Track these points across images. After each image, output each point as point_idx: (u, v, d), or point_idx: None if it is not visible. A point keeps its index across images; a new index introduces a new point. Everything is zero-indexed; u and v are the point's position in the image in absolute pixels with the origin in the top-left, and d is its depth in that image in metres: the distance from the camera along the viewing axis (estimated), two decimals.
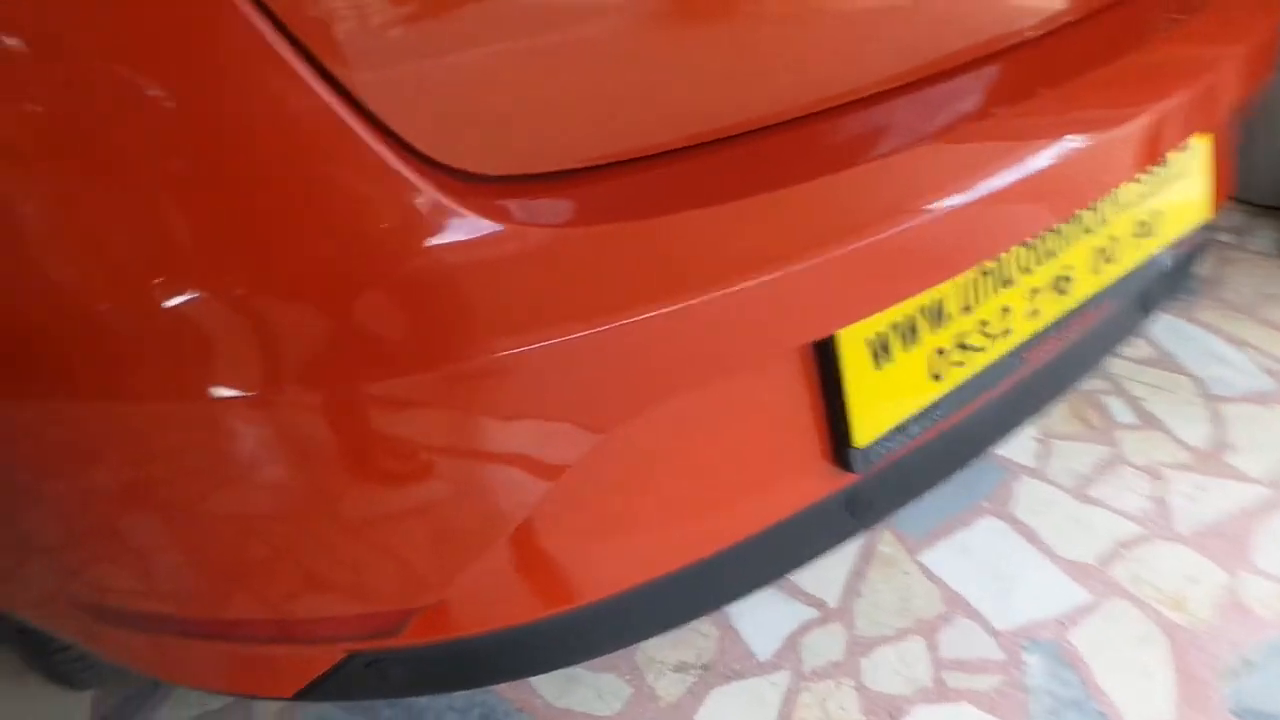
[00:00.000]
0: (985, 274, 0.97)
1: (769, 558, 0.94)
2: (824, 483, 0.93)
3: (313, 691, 0.85)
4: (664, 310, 0.69)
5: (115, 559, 0.77)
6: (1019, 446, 1.65)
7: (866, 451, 0.91)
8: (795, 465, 0.91)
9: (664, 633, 0.93)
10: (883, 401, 0.91)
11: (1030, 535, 1.49)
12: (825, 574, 1.46)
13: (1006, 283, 0.98)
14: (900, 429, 0.93)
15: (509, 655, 0.85)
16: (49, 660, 1.19)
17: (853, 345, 0.87)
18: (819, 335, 0.83)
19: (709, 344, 0.72)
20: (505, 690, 1.32)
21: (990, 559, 1.46)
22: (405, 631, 0.80)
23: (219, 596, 0.78)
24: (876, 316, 0.88)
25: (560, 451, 0.72)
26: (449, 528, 0.74)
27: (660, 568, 0.87)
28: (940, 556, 1.47)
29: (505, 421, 0.70)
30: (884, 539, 1.51)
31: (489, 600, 0.81)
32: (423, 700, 1.32)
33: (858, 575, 1.45)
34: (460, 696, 1.32)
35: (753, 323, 0.74)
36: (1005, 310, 1.00)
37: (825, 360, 0.86)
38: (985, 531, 1.51)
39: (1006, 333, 1.00)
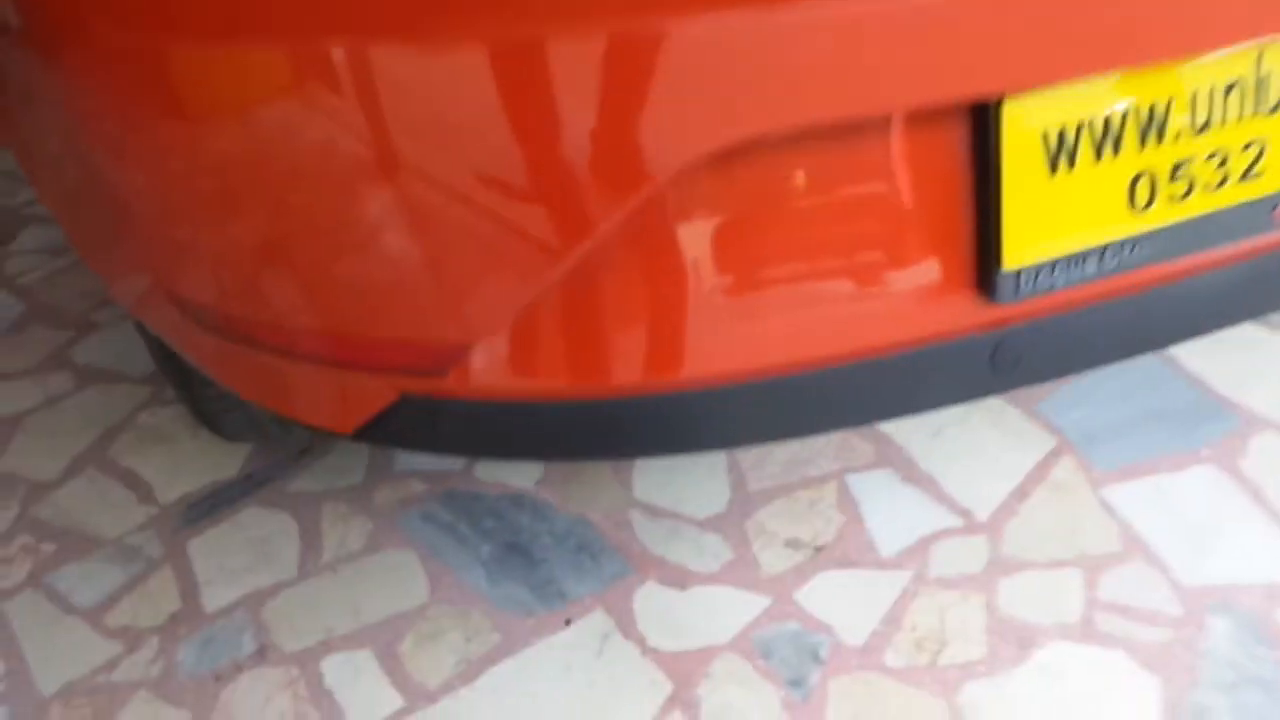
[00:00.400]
0: (1234, 89, 0.75)
1: (887, 388, 0.80)
2: (964, 313, 0.77)
3: (371, 431, 0.83)
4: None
5: (192, 244, 0.77)
6: (1268, 395, 1.35)
7: (1017, 278, 0.74)
8: (932, 280, 0.76)
9: (746, 445, 0.82)
10: (1050, 219, 0.73)
11: (1256, 494, 1.22)
12: (980, 486, 1.27)
13: (1270, 108, 0.75)
14: (1067, 262, 0.75)
15: (571, 428, 0.78)
16: (197, 399, 1.27)
17: (1020, 134, 0.70)
18: (969, 94, 0.66)
19: (839, 65, 0.60)
20: (605, 528, 1.27)
21: (1194, 510, 1.21)
22: (453, 375, 0.75)
23: (282, 300, 0.77)
24: (1061, 104, 0.70)
25: (656, 159, 0.63)
26: (506, 250, 0.67)
27: (756, 367, 0.76)
28: (1130, 495, 1.24)
29: (597, 103, 0.61)
30: (1062, 464, 1.29)
31: (550, 361, 0.74)
32: (523, 519, 1.30)
33: (1019, 495, 1.25)
34: (560, 522, 1.29)
35: (884, 58, 0.60)
36: (1255, 147, 0.77)
37: (982, 144, 0.70)
38: (1196, 480, 1.25)
39: (1254, 174, 0.78)
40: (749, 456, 1.36)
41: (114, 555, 1.32)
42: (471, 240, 0.68)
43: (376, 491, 1.37)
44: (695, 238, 0.71)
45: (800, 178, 0.70)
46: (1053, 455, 1.30)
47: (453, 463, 1.41)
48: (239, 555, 1.30)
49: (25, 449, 1.53)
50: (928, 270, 0.75)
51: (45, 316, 1.86)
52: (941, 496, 1.27)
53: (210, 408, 1.28)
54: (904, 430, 1.37)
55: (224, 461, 1.45)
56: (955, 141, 0.70)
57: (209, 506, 1.38)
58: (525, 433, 0.79)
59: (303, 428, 1.40)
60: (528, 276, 0.69)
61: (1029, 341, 0.80)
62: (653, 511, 1.30)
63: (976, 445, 1.33)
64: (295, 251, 0.73)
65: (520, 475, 1.37)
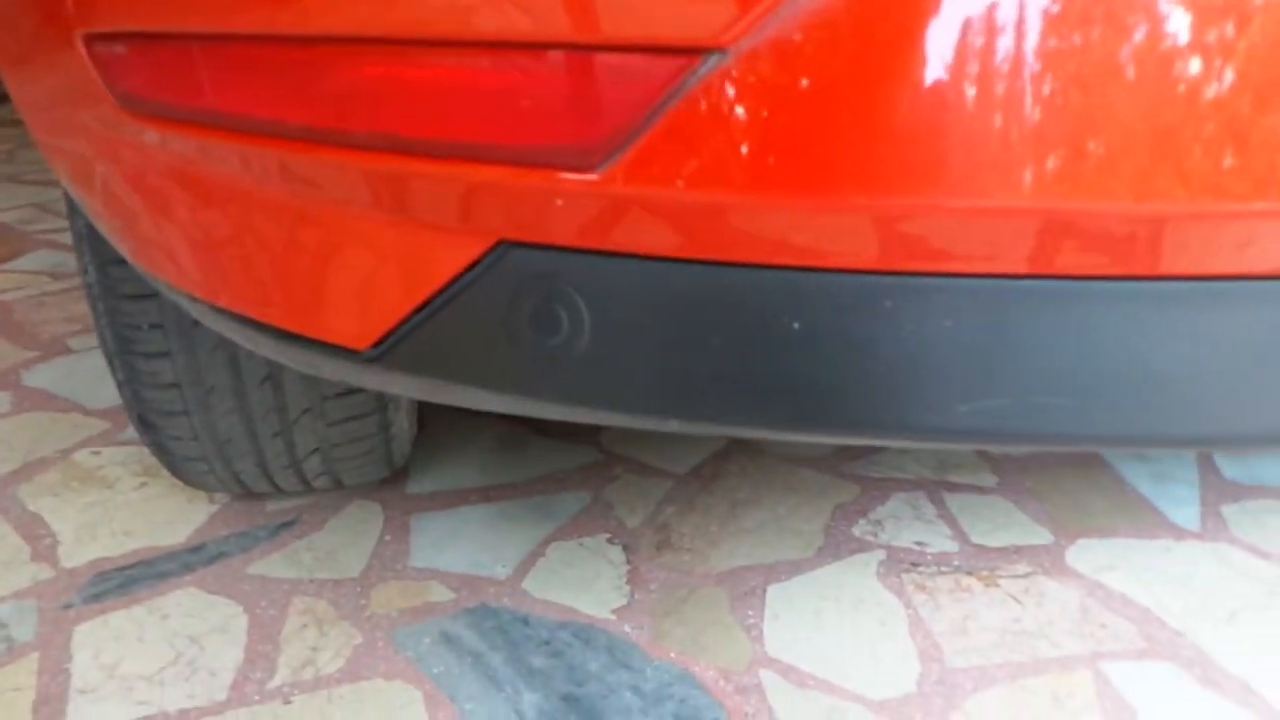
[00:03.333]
0: None
1: None
2: None
3: (418, 336, 0.42)
4: None
5: None
6: None
7: None
8: None
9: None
10: None
11: None
12: None
13: None
14: None
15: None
16: (158, 429, 0.86)
17: None
18: None
19: None
20: (721, 691, 0.80)
21: None
22: (615, 176, 0.33)
23: None
24: None
25: None
26: None
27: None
28: None
29: None
30: None
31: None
32: (592, 662, 0.83)
33: None
34: (652, 674, 0.82)
35: None
36: None
37: None
38: None
39: None
40: (942, 615, 0.90)
41: None
42: None
43: (377, 591, 0.92)
44: None
45: None
46: None
47: (493, 564, 0.96)
48: (145, 657, 0.83)
49: None
50: None
51: (11, 333, 1.49)
52: (1269, 713, 0.78)
53: (173, 445, 0.86)
54: (1174, 610, 0.90)
55: (171, 523, 1.01)
56: None
57: (126, 580, 0.93)
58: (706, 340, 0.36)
59: (296, 489, 0.98)
60: None
61: None
62: (796, 676, 0.82)
63: None
64: None
65: (593, 597, 0.92)
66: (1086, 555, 0.99)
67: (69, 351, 1.43)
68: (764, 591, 0.93)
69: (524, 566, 0.96)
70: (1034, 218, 0.34)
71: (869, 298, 0.37)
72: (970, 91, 0.32)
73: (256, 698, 0.79)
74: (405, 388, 0.46)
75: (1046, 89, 0.33)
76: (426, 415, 1.24)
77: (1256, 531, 1.03)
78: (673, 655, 0.85)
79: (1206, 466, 1.16)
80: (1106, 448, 0.51)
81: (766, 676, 0.82)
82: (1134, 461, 1.17)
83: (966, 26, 0.31)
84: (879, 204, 0.33)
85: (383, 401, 0.85)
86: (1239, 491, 1.11)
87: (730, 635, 0.87)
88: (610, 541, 1.01)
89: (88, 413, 1.24)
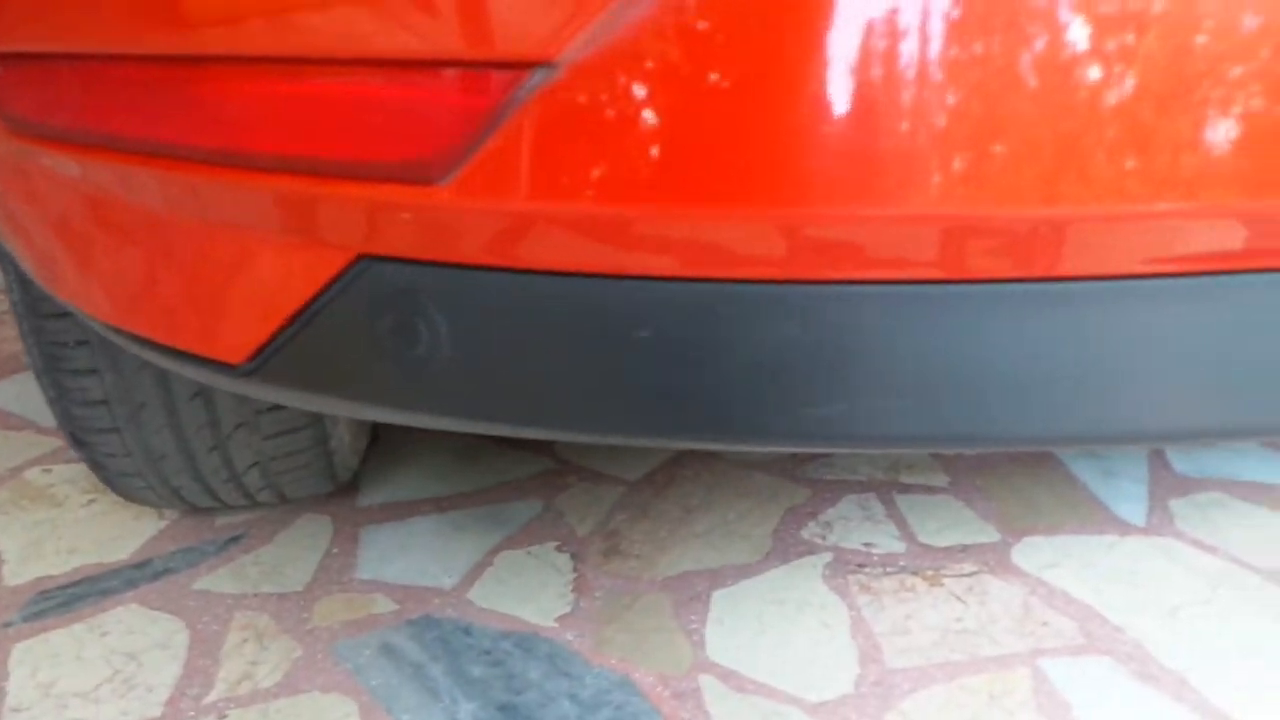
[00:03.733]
0: None
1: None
2: None
3: (282, 351, 0.42)
4: None
5: None
6: None
7: None
8: None
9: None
10: None
11: None
12: (1254, 687, 0.79)
13: None
14: None
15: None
16: (90, 445, 0.86)
17: None
18: None
19: None
20: (659, 697, 0.80)
21: None
22: (459, 190, 0.34)
23: None
24: None
25: None
26: None
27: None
28: None
29: None
30: None
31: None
32: (533, 670, 0.83)
33: None
34: (591, 681, 0.82)
35: None
36: None
37: None
38: None
39: None
40: (884, 616, 0.90)
41: None
42: None
43: (321, 604, 0.92)
44: None
45: None
46: None
47: (440, 575, 0.96)
48: (82, 674, 0.83)
49: None
50: None
51: None
52: (1202, 706, 0.79)
53: (108, 462, 0.86)
54: (1115, 606, 0.91)
55: (117, 539, 1.01)
56: None
57: (68, 598, 0.92)
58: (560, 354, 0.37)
59: (241, 503, 0.98)
60: None
61: None
62: (735, 680, 0.83)
63: (1228, 631, 0.86)
64: None
65: (537, 606, 0.92)
66: (1032, 553, 0.99)
67: (25, 369, 1.43)
68: (709, 596, 0.93)
69: (471, 576, 0.96)
70: (846, 224, 0.34)
71: (708, 306, 0.38)
72: (787, 102, 0.32)
73: (192, 713, 0.79)
74: (288, 400, 0.46)
75: (833, 93, 0.34)
76: (381, 427, 1.24)
77: (1203, 526, 1.03)
78: (614, 662, 0.85)
79: (1157, 462, 1.16)
80: (955, 449, 0.51)
81: (706, 681, 0.83)
82: (1085, 459, 1.17)
83: (777, 42, 0.32)
84: (700, 213, 0.33)
85: (317, 415, 0.85)
86: (1187, 485, 1.11)
87: (672, 641, 0.87)
88: (558, 549, 1.01)
89: (41, 430, 1.24)
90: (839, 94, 0.34)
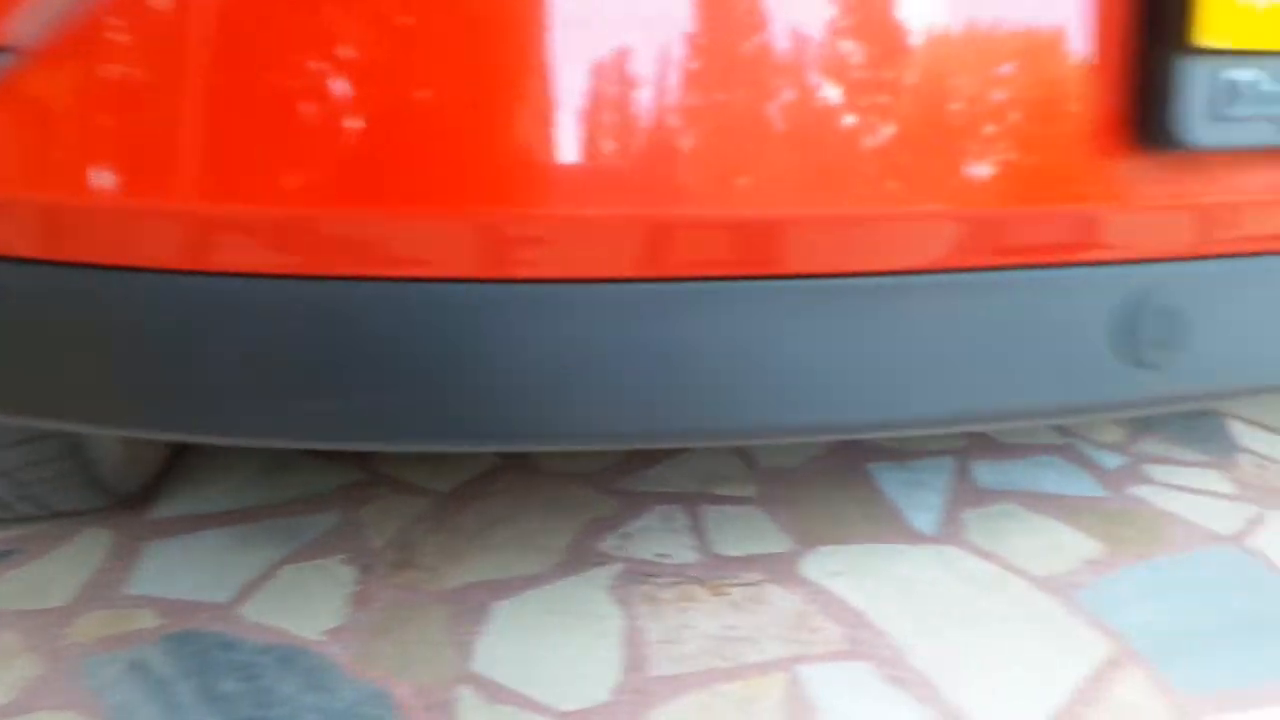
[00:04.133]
0: None
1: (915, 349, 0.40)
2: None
3: None
4: None
5: None
6: None
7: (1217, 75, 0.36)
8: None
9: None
10: None
11: None
12: (1002, 699, 0.82)
13: None
14: None
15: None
16: None
17: None
18: None
19: None
20: (411, 709, 0.79)
21: None
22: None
23: None
24: None
25: None
26: None
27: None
28: None
29: None
30: (1125, 678, 0.84)
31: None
32: (287, 685, 0.81)
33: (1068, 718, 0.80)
34: (345, 694, 0.80)
35: None
36: None
37: None
38: None
39: None
40: (660, 625, 0.90)
41: None
42: None
43: (80, 620, 0.89)
44: None
45: None
46: (1110, 666, 0.86)
47: (216, 589, 0.93)
48: None
49: None
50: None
51: None
52: (945, 710, 0.81)
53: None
54: (886, 613, 0.93)
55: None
56: None
57: None
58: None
59: (3, 514, 0.95)
60: None
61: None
62: (493, 691, 0.82)
63: (986, 637, 0.89)
64: None
65: (309, 619, 0.90)
66: (820, 562, 1.01)
67: None
68: (488, 607, 0.93)
69: (248, 590, 0.94)
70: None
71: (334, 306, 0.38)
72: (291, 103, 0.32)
73: None
74: None
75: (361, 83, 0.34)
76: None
77: (989, 535, 1.07)
78: (375, 675, 0.84)
79: (961, 473, 1.20)
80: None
81: (463, 693, 0.82)
82: (891, 469, 1.20)
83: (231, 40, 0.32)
84: (202, 209, 0.33)
85: None
86: (985, 497, 1.15)
87: (439, 653, 0.86)
88: (345, 562, 0.99)
89: None
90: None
